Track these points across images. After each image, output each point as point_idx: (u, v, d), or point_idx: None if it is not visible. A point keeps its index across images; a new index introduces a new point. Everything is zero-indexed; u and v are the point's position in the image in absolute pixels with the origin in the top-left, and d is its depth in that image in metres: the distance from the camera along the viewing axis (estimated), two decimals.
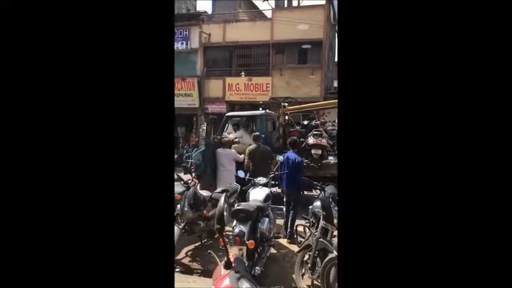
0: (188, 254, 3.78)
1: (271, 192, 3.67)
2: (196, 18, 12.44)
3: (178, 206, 3.59)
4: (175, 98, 12.04)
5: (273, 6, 12.50)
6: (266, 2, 12.39)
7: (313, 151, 5.47)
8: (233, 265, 1.56)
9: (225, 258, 1.57)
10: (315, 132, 5.69)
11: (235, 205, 3.20)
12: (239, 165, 4.88)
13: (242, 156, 4.96)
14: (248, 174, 4.37)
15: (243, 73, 11.71)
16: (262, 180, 3.85)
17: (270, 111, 6.68)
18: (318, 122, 6.29)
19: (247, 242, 2.66)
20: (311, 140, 5.52)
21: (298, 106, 6.80)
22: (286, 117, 6.50)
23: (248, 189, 3.81)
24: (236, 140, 6.00)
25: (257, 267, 2.82)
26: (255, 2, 14.95)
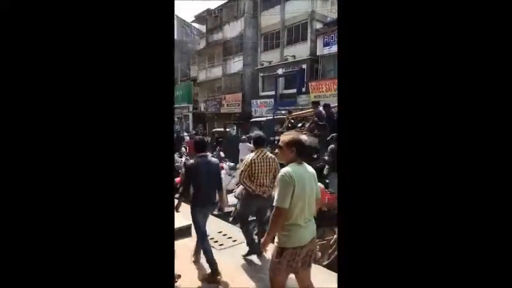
0: None
1: None
2: None
3: None
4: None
5: None
6: None
7: None
8: None
9: None
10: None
11: None
12: None
13: None
14: None
15: None
16: None
17: (275, 118, 9.26)
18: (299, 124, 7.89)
19: None
20: None
21: (298, 112, 8.73)
22: (292, 121, 8.12)
23: None
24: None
25: None
26: None
